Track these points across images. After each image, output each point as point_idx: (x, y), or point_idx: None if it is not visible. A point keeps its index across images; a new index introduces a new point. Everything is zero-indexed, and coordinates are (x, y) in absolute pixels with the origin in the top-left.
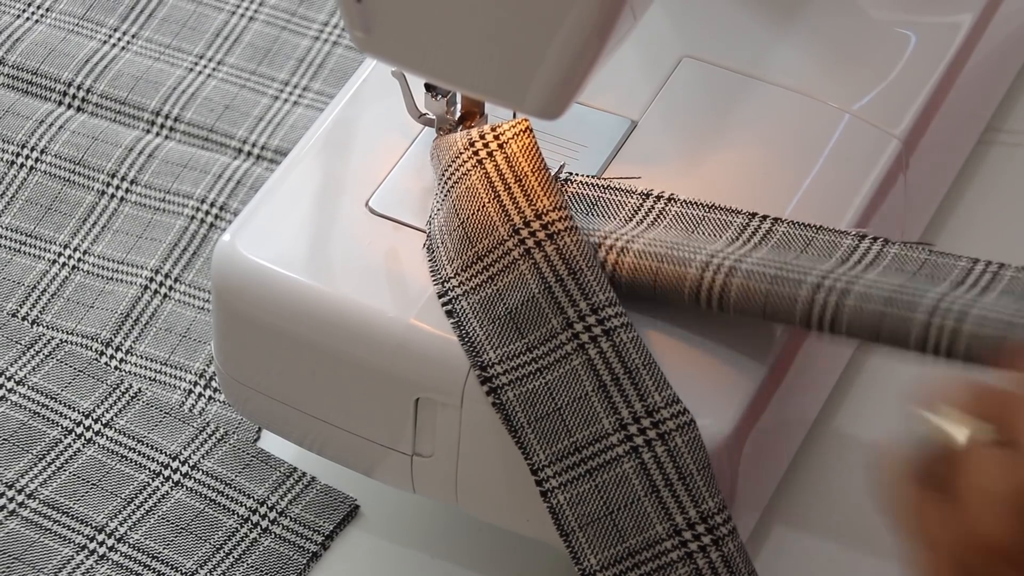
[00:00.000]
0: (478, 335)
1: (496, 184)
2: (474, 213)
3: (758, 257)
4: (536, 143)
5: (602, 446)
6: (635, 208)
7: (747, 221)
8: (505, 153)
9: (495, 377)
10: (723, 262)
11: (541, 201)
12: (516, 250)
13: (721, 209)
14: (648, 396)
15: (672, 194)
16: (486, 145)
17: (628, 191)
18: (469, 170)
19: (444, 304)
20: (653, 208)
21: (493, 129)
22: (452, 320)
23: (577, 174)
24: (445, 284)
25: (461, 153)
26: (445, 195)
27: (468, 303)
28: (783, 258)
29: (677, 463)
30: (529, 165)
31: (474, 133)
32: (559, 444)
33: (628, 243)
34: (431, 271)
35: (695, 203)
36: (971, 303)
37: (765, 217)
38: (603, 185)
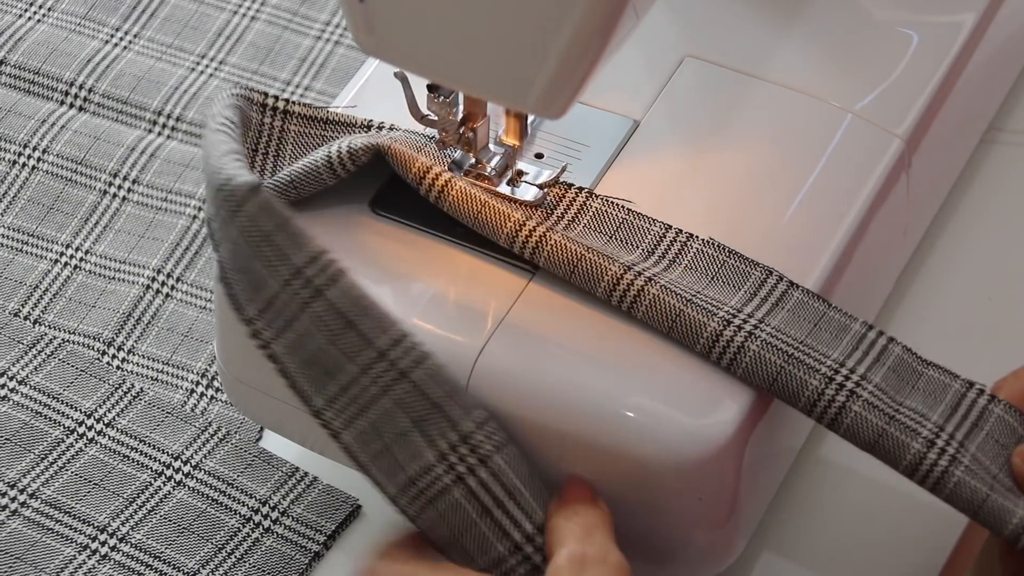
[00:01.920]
0: (300, 382)
1: (256, 240)
2: (249, 261)
3: (775, 326)
4: (267, 200)
5: (431, 477)
6: (657, 238)
7: (764, 277)
8: (247, 212)
9: (329, 423)
10: (744, 324)
11: (297, 256)
12: (293, 302)
13: (739, 256)
14: (461, 423)
15: (691, 233)
16: (227, 201)
17: (650, 219)
18: (226, 219)
19: (260, 347)
20: (675, 241)
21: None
22: (276, 366)
23: (571, 184)
24: (253, 324)
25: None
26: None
27: (280, 348)
28: (799, 333)
29: (502, 482)
30: (273, 224)
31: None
32: (398, 478)
33: (653, 276)
34: (233, 306)
35: (716, 244)
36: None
37: (782, 278)
38: (625, 207)
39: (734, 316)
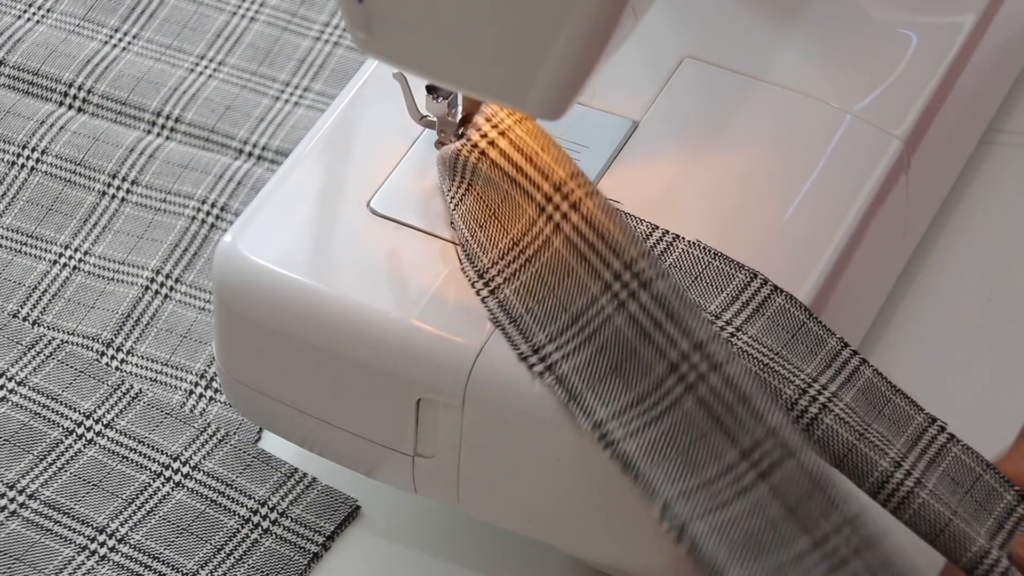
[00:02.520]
0: (525, 319)
1: (509, 169)
2: (501, 202)
3: (752, 335)
4: (538, 125)
5: (662, 391)
6: (643, 237)
7: (748, 281)
8: (510, 138)
9: (548, 356)
10: (721, 331)
11: (556, 174)
12: (547, 227)
13: (724, 259)
14: (693, 334)
15: (677, 234)
16: (485, 135)
17: (637, 218)
18: (475, 161)
19: (486, 296)
20: (660, 241)
21: (489, 119)
22: (496, 312)
23: None
24: (484, 275)
25: (460, 149)
26: (466, 191)
27: (511, 289)
28: (775, 344)
29: (734, 386)
30: (537, 144)
31: (472, 130)
32: (621, 400)
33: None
34: (463, 270)
35: (702, 246)
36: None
37: (766, 282)
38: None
39: (712, 321)
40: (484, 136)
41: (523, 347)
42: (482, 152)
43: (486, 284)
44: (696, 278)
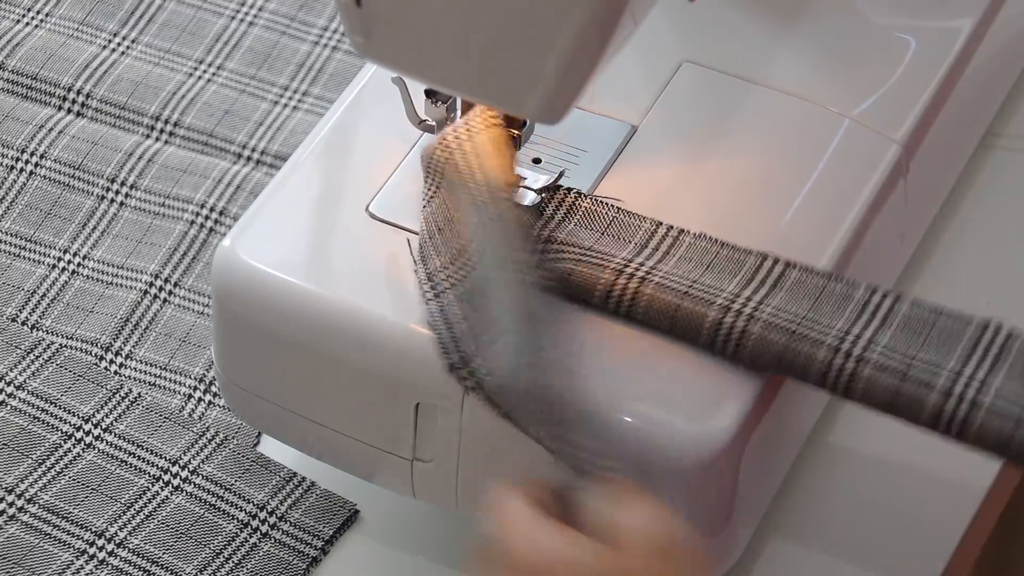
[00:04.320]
0: (461, 327)
1: (466, 174)
2: (457, 208)
3: (776, 305)
4: (504, 133)
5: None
6: (649, 233)
7: (760, 262)
8: (474, 143)
9: (477, 369)
10: (744, 308)
11: (496, 181)
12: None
13: (732, 247)
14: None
15: (682, 228)
16: (457, 138)
17: (640, 216)
18: (444, 162)
19: (431, 299)
20: (667, 236)
21: (467, 122)
22: (435, 316)
23: (568, 188)
24: (432, 278)
25: (435, 148)
26: (436, 190)
27: (454, 295)
28: (800, 309)
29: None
30: (494, 150)
31: (448, 129)
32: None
33: (648, 274)
34: (415, 269)
35: (706, 237)
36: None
37: (777, 260)
38: (614, 205)
39: (732, 301)
40: (457, 139)
41: (455, 357)
42: (450, 154)
43: (432, 287)
44: (708, 266)
